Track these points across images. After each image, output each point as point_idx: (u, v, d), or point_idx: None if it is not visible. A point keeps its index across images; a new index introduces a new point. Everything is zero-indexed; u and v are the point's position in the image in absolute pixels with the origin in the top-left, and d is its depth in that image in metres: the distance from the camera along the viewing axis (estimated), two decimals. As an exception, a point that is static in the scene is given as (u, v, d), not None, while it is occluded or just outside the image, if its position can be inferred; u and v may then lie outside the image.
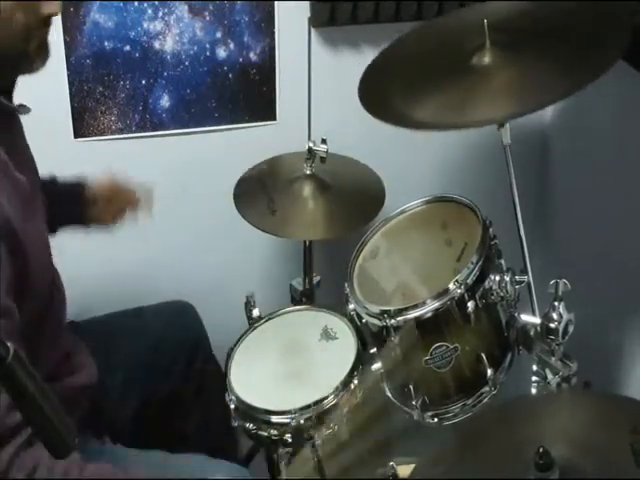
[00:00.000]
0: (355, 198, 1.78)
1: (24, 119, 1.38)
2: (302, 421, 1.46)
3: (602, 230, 1.96)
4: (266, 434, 1.49)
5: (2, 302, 1.13)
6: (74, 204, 1.64)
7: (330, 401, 1.47)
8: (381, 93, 1.48)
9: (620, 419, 1.01)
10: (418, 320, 1.42)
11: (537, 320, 1.42)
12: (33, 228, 1.23)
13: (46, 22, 1.21)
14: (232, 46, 1.94)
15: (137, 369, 1.62)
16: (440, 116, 1.41)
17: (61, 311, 1.43)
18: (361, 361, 1.54)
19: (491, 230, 1.48)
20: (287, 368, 1.57)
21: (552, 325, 1.37)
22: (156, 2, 1.86)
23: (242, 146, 2.03)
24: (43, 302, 1.28)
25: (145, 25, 1.88)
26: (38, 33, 1.20)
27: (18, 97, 1.32)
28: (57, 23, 1.82)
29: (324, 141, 1.74)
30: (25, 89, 1.31)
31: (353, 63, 2.02)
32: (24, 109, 1.28)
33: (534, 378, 1.44)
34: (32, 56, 1.20)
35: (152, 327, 1.70)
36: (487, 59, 1.43)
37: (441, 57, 1.52)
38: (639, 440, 0.94)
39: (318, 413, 1.47)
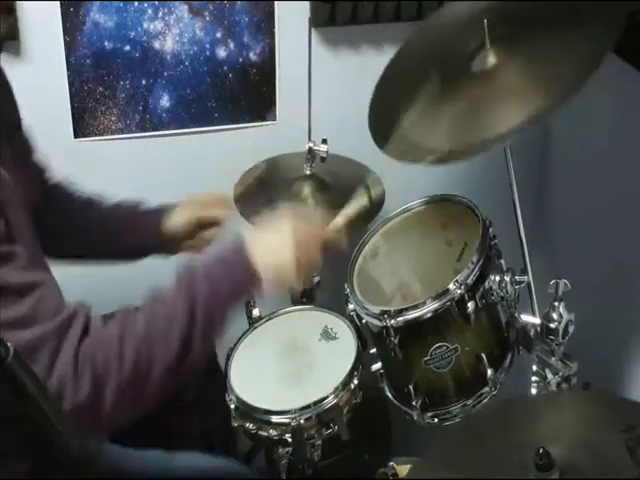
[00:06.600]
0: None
1: (24, 120, 1.38)
2: (302, 421, 1.46)
3: (602, 230, 1.96)
4: (266, 434, 1.49)
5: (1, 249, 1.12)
6: (152, 236, 1.59)
7: (330, 401, 1.47)
8: (391, 127, 1.46)
9: (617, 418, 1.01)
10: (418, 320, 1.42)
11: (537, 320, 1.42)
12: (16, 214, 1.22)
13: None
14: (232, 46, 1.95)
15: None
16: (456, 139, 1.37)
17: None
18: (361, 361, 1.54)
19: (491, 230, 1.48)
20: (287, 368, 1.57)
21: (552, 325, 1.37)
22: (156, 2, 1.87)
23: (242, 146, 2.03)
24: None
25: (145, 25, 1.88)
26: None
27: (18, 97, 1.32)
28: (57, 23, 1.82)
29: (324, 141, 1.74)
30: (25, 89, 1.31)
31: (353, 63, 2.03)
32: None
33: (534, 378, 1.44)
34: None
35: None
36: (490, 60, 1.40)
37: (442, 67, 1.49)
38: (633, 438, 0.94)
39: (318, 413, 1.47)
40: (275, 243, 1.27)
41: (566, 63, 1.31)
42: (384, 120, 1.49)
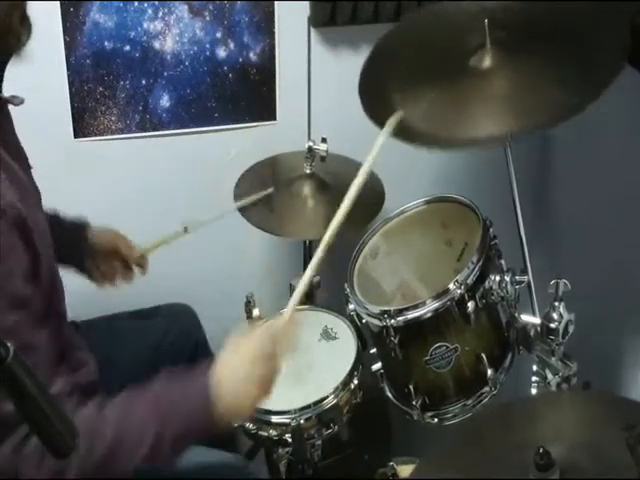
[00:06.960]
0: (355, 198, 1.78)
1: (24, 119, 1.38)
2: (302, 421, 1.46)
3: (602, 230, 1.96)
4: (266, 434, 1.49)
5: (22, 292, 1.12)
6: (75, 248, 1.62)
7: (330, 401, 1.47)
8: (382, 98, 1.46)
9: (617, 418, 1.01)
10: (418, 320, 1.42)
11: (537, 320, 1.42)
12: (35, 217, 1.22)
13: None
14: (232, 46, 1.95)
15: (137, 371, 1.61)
16: (440, 130, 1.38)
17: (62, 302, 1.43)
18: (361, 361, 1.54)
19: (491, 230, 1.48)
20: (287, 368, 1.57)
21: (552, 325, 1.37)
22: (156, 2, 1.86)
23: (242, 146, 2.03)
24: (47, 293, 1.28)
25: (145, 25, 1.88)
26: (18, 5, 1.20)
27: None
28: (57, 23, 1.82)
29: (324, 140, 1.74)
30: (25, 89, 1.31)
31: (353, 63, 2.01)
32: (17, 99, 1.28)
33: (534, 378, 1.44)
34: (17, 29, 1.20)
35: (152, 330, 1.70)
36: (487, 61, 1.40)
37: (439, 57, 1.50)
38: (634, 436, 0.94)
39: (318, 413, 1.47)
40: (239, 385, 1.26)
41: (561, 92, 1.32)
42: (373, 86, 1.49)
